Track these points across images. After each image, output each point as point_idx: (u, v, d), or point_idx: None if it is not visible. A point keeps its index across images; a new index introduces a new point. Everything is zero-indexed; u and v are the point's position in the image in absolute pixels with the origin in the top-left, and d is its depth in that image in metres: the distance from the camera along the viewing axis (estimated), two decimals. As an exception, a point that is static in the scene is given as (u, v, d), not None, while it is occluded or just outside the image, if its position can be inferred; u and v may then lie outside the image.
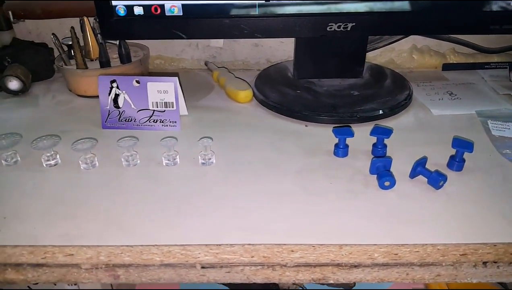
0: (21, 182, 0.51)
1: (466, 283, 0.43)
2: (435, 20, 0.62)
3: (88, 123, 0.65)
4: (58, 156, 0.54)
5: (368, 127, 0.60)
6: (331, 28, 0.61)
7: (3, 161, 0.54)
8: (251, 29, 0.62)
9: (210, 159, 0.54)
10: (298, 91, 0.70)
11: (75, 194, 0.49)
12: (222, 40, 0.84)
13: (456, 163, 0.52)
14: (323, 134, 0.60)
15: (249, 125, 0.64)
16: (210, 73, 0.83)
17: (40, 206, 0.47)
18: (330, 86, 0.71)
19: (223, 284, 0.78)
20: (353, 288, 0.77)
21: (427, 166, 0.51)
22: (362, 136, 0.57)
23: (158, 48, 0.87)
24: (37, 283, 0.58)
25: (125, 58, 0.72)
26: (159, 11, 0.61)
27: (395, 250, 0.41)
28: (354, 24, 0.61)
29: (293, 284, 0.76)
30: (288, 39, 0.85)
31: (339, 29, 0.62)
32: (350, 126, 0.57)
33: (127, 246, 0.41)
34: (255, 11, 0.61)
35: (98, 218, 0.45)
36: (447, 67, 0.83)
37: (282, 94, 0.69)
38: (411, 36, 0.83)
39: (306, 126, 0.63)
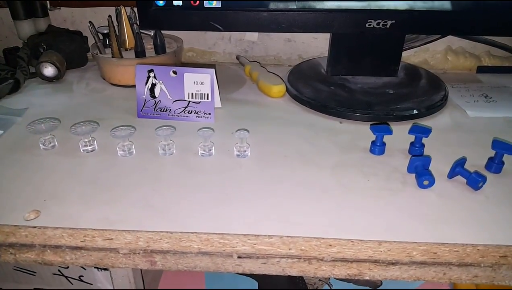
0: (59, 166, 0.52)
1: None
2: (476, 21, 0.61)
3: (123, 111, 0.65)
4: (95, 142, 0.55)
5: (404, 126, 0.60)
6: (370, 24, 0.61)
7: (41, 145, 0.55)
8: (288, 23, 0.62)
9: (245, 151, 0.54)
10: (332, 88, 0.69)
11: (113, 180, 0.49)
12: (257, 33, 0.84)
13: (495, 165, 0.51)
14: (358, 131, 0.60)
15: (282, 120, 0.64)
16: (241, 67, 0.83)
17: (79, 190, 0.48)
18: (365, 83, 0.71)
19: (254, 278, 0.78)
20: (379, 287, 0.77)
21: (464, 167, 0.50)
22: (397, 135, 0.57)
23: (191, 41, 0.87)
24: (67, 267, 0.59)
25: (160, 49, 0.73)
26: (197, 2, 0.62)
27: (435, 249, 0.40)
28: (393, 21, 0.61)
29: (320, 280, 0.76)
30: (321, 35, 0.84)
31: (378, 26, 0.61)
32: (388, 124, 0.56)
33: (166, 232, 0.42)
34: (294, 5, 0.61)
35: (137, 204, 0.45)
36: (482, 70, 0.82)
37: (315, 90, 0.69)
38: (447, 36, 0.82)
39: (340, 122, 0.63)
